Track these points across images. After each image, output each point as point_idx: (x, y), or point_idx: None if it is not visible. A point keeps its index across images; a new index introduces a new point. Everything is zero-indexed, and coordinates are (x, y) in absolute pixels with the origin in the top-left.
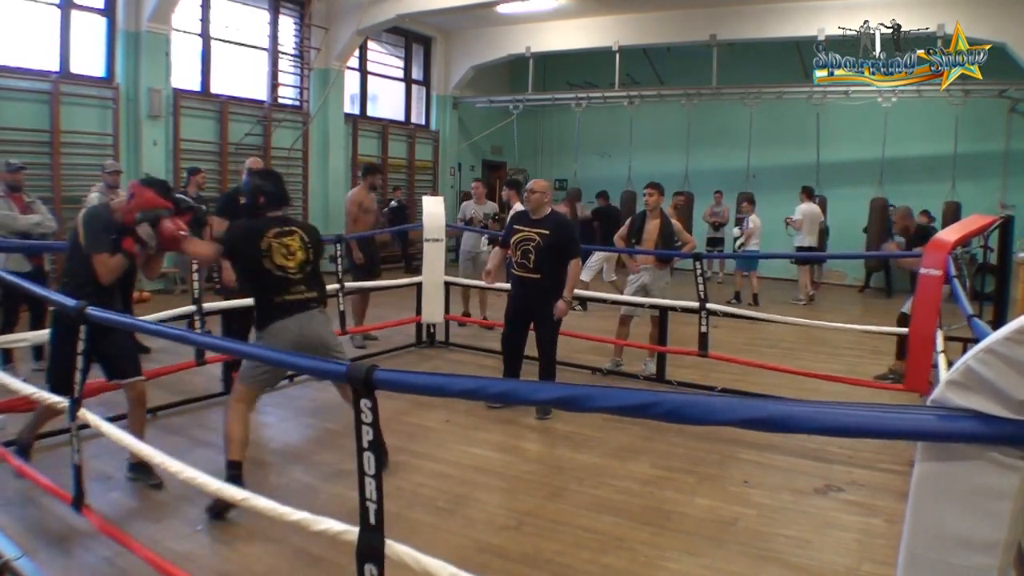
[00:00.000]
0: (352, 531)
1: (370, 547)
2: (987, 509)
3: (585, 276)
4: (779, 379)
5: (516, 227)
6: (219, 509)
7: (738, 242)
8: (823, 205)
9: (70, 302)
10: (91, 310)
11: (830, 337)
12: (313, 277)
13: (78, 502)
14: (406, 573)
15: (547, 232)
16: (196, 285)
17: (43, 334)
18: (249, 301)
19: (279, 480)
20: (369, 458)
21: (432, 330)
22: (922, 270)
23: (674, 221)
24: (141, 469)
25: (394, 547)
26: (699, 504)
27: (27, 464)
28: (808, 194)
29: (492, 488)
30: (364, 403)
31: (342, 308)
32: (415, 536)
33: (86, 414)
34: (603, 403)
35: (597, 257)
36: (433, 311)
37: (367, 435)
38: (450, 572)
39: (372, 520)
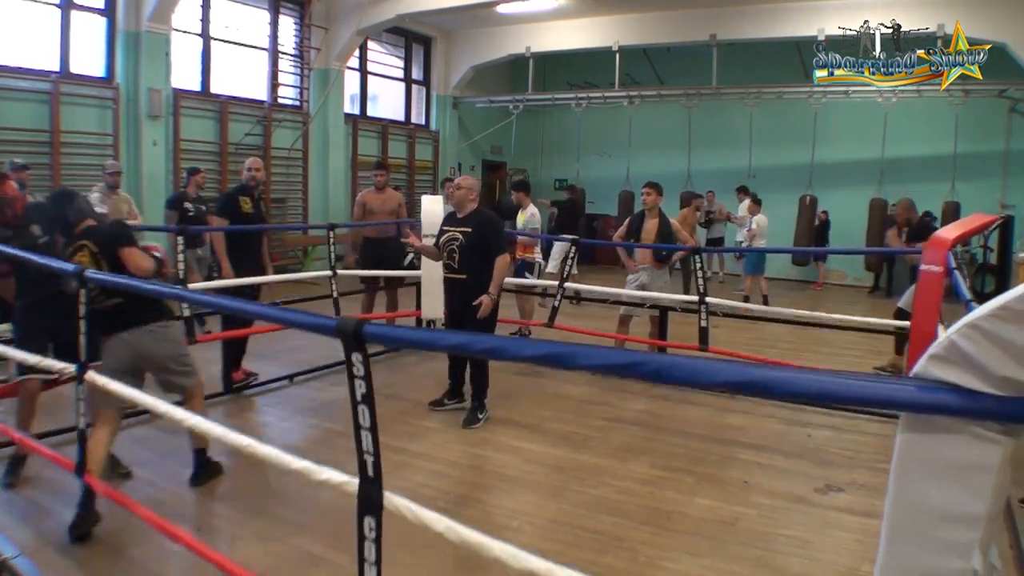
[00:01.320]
0: (352, 482)
1: (369, 499)
2: (969, 483)
3: (551, 267)
4: None
5: (444, 228)
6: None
7: (743, 244)
8: (814, 204)
9: (69, 266)
10: (89, 272)
11: (830, 337)
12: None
13: (80, 468)
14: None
15: (469, 230)
16: (181, 265)
17: None
18: (245, 280)
19: (279, 480)
20: (364, 411)
21: (431, 326)
22: (922, 266)
23: (673, 221)
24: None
25: (392, 499)
26: (699, 504)
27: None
28: (745, 193)
29: (492, 488)
30: (356, 356)
31: (335, 294)
32: (415, 536)
33: (94, 376)
34: (587, 361)
35: (559, 248)
36: (432, 307)
37: (360, 388)
38: (446, 525)
39: (370, 472)
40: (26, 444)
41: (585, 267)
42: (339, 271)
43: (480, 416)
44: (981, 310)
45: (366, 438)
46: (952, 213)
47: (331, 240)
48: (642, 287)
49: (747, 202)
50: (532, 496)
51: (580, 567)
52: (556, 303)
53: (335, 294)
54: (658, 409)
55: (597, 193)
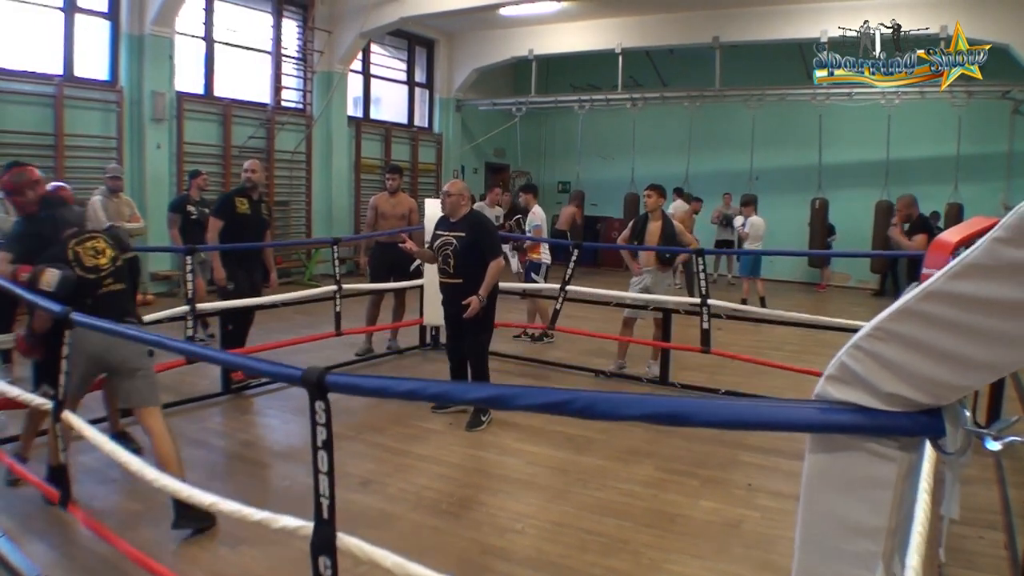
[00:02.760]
0: (307, 526)
1: (323, 541)
2: (869, 498)
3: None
4: (782, 382)
5: (437, 232)
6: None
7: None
8: (824, 207)
9: (56, 307)
10: (75, 315)
11: (833, 339)
12: (123, 273)
13: (64, 500)
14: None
15: (463, 234)
16: (190, 286)
17: None
18: (247, 301)
19: (281, 483)
20: (323, 456)
21: (435, 332)
22: (925, 271)
23: (676, 223)
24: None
25: (344, 539)
26: (703, 507)
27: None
28: (679, 193)
29: (496, 491)
30: (318, 405)
31: (338, 309)
32: (419, 538)
33: (69, 416)
34: (525, 401)
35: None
36: (436, 313)
37: (321, 435)
38: (392, 561)
39: (325, 515)
40: (14, 470)
41: (590, 270)
42: (345, 283)
43: (483, 419)
44: (862, 331)
45: (323, 482)
46: (955, 215)
47: (335, 255)
48: (646, 289)
49: (678, 202)
50: (536, 499)
51: (584, 570)
52: (558, 307)
53: (338, 308)
54: None
55: (600, 195)
